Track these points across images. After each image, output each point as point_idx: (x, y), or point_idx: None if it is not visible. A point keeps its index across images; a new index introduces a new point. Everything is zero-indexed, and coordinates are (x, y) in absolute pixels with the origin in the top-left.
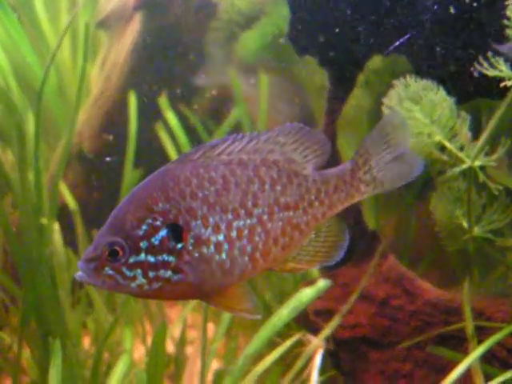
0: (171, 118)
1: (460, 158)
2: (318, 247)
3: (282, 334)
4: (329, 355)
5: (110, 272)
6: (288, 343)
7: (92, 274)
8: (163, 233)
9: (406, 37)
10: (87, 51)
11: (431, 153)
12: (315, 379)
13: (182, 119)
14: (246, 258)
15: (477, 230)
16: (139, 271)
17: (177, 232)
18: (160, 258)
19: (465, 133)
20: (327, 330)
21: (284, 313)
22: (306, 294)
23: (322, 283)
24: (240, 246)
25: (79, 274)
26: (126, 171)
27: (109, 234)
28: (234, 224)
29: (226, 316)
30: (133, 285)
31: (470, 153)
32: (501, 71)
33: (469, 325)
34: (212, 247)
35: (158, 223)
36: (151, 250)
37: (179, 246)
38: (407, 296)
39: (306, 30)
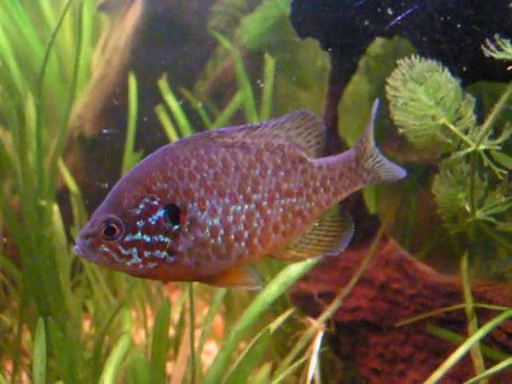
0: (171, 100)
1: (465, 141)
2: (322, 236)
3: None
4: (328, 339)
5: (106, 249)
6: (280, 319)
7: (88, 250)
8: (160, 213)
9: (405, 12)
10: (81, 32)
11: (435, 135)
12: (315, 361)
13: (185, 103)
14: (243, 244)
15: (479, 214)
16: (135, 250)
17: (174, 213)
18: (156, 238)
19: (470, 116)
20: (327, 313)
21: (273, 288)
22: (295, 270)
23: (310, 260)
24: (237, 232)
25: (75, 248)
26: (126, 154)
27: (106, 212)
28: (231, 209)
29: (218, 296)
30: (128, 263)
31: (475, 136)
32: (508, 54)
33: (468, 306)
34: (208, 231)
35: (156, 203)
36: (147, 229)
37: (175, 227)
38: (407, 279)
39: (308, 13)
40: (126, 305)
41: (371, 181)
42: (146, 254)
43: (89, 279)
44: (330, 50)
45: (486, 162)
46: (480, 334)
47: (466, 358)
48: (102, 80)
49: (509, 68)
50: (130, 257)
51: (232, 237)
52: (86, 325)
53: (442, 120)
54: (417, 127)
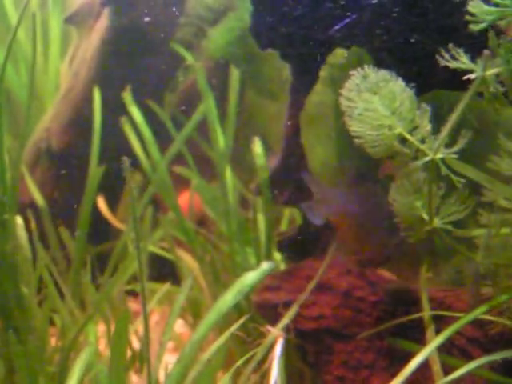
0: (136, 112)
1: (421, 150)
2: None
3: (249, 329)
4: (296, 348)
5: None
6: (233, 328)
7: None
8: None
9: (345, 21)
10: (35, 41)
11: (392, 145)
12: (276, 368)
13: (152, 114)
14: None
15: (436, 222)
16: None
17: None
18: None
19: (426, 125)
20: (285, 320)
21: (228, 297)
22: (251, 277)
23: (267, 265)
24: None
25: None
26: (90, 166)
27: None
28: None
29: (176, 307)
30: None
31: (432, 145)
32: (462, 63)
33: (426, 314)
34: None
35: None
36: None
37: None
38: (370, 287)
39: (267, 24)
40: (92, 318)
41: None
42: None
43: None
44: (289, 60)
45: (444, 170)
46: (439, 340)
47: (428, 364)
48: (69, 92)
49: (465, 77)
50: None
51: None
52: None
53: (398, 130)
54: (373, 137)
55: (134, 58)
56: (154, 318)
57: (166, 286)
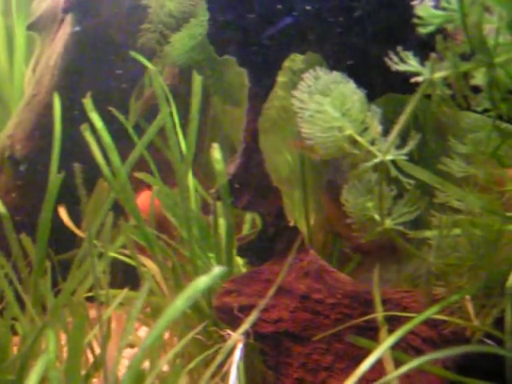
0: (96, 119)
1: (371, 151)
2: None
3: (211, 333)
4: (258, 351)
5: None
6: (190, 335)
7: None
8: None
9: (286, 21)
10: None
11: (342, 146)
12: (234, 372)
13: (114, 121)
14: None
15: (388, 223)
16: None
17: None
18: None
19: (376, 126)
20: (246, 325)
21: (179, 303)
22: (202, 282)
23: (218, 270)
24: None
25: None
26: (50, 173)
27: None
28: None
29: (134, 311)
30: None
31: (381, 147)
32: (411, 66)
33: (379, 315)
34: None
35: None
36: None
37: None
38: (327, 289)
39: (224, 31)
40: (51, 325)
41: None
42: None
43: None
44: (246, 66)
45: (393, 172)
46: (390, 340)
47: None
48: (33, 99)
49: (412, 80)
50: None
51: None
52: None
53: (349, 131)
54: (324, 139)
55: (98, 65)
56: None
57: (125, 292)
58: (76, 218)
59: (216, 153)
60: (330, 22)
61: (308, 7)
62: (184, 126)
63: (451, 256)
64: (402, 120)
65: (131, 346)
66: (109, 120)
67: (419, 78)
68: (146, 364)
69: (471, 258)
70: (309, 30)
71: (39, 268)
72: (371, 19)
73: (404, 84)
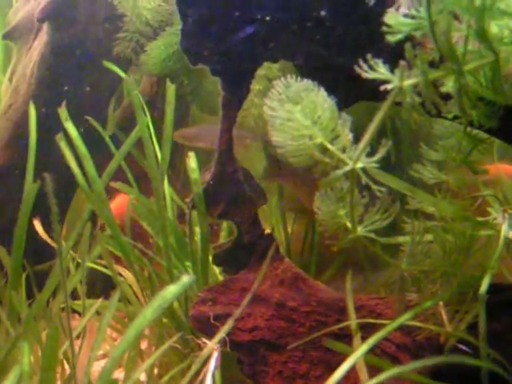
0: (71, 128)
1: (342, 159)
2: None
3: (189, 342)
4: (237, 360)
5: None
6: (165, 346)
7: None
8: None
9: (245, 32)
10: None
11: (313, 154)
12: (209, 381)
13: (91, 130)
14: None
15: (360, 230)
16: None
17: None
18: None
19: (346, 134)
20: (221, 334)
21: (148, 312)
22: (170, 291)
23: (186, 279)
24: None
25: None
26: (26, 183)
27: None
28: None
29: (104, 322)
30: None
31: (352, 154)
32: (380, 74)
33: (352, 322)
34: None
35: None
36: None
37: None
38: (302, 297)
39: (196, 40)
40: (25, 337)
41: None
42: None
43: None
44: (218, 75)
45: (364, 179)
46: (364, 348)
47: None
48: (9, 109)
49: (382, 88)
50: None
51: None
52: None
53: (319, 139)
54: (294, 147)
55: (75, 74)
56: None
57: (99, 302)
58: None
59: (191, 162)
60: (300, 30)
61: (279, 16)
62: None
63: (424, 262)
64: (372, 127)
65: (108, 356)
66: (86, 129)
67: (389, 86)
68: (121, 374)
69: (444, 264)
70: (280, 38)
71: (14, 279)
72: (341, 28)
73: (377, 92)
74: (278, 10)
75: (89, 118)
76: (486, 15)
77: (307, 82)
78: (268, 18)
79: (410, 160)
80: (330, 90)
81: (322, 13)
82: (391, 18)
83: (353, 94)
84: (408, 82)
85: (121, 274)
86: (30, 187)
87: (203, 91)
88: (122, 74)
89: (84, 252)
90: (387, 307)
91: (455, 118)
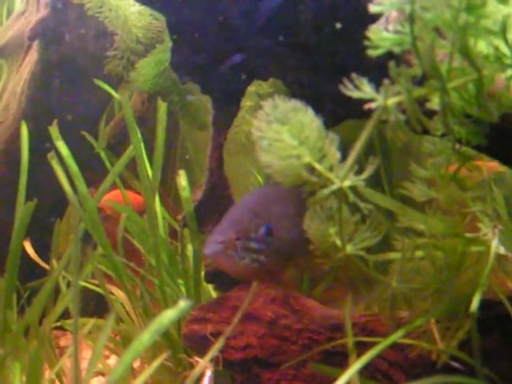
0: (62, 147)
1: (329, 178)
2: None
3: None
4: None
5: (231, 252)
6: (156, 363)
7: (219, 253)
8: (263, 230)
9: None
10: None
11: (301, 174)
12: None
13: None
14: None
15: (349, 248)
16: (248, 254)
17: (269, 231)
18: (260, 246)
19: (333, 153)
20: (213, 352)
21: (145, 337)
22: (167, 316)
23: (183, 304)
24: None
25: (208, 252)
26: (18, 203)
27: (231, 226)
28: (294, 229)
29: (100, 343)
30: (241, 263)
31: (340, 173)
32: (365, 92)
33: (349, 340)
34: (285, 243)
35: (260, 223)
36: (256, 240)
37: (270, 239)
38: (294, 315)
39: (186, 58)
40: (15, 356)
41: None
42: (254, 256)
43: None
44: (209, 94)
45: (352, 197)
46: (357, 366)
47: None
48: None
49: (366, 107)
50: (243, 258)
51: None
52: None
53: (307, 159)
54: (282, 167)
55: (65, 92)
56: (87, 353)
57: (93, 321)
58: (46, 246)
59: (182, 180)
60: (290, 50)
61: (269, 37)
62: (152, 153)
63: (415, 280)
64: (359, 145)
65: (102, 374)
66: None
67: (372, 105)
68: None
69: (435, 281)
70: (269, 58)
71: (7, 299)
72: (327, 47)
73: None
74: (265, 37)
75: (84, 133)
76: (470, 33)
77: (295, 102)
78: (256, 38)
79: (399, 177)
80: (317, 109)
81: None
82: (373, 32)
83: (340, 112)
84: (392, 101)
85: (112, 293)
86: (22, 207)
87: (193, 107)
88: (113, 92)
89: (76, 271)
90: (379, 324)
91: (443, 135)
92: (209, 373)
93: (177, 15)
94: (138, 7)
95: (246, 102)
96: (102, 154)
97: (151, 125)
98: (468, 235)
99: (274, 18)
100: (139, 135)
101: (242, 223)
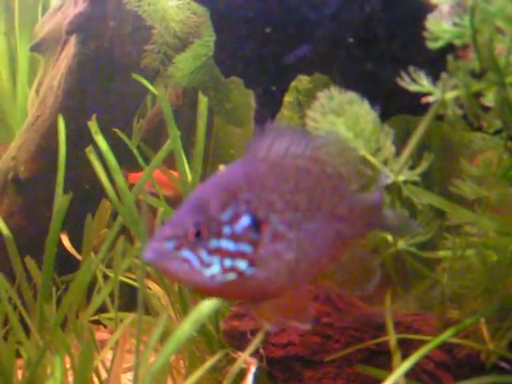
0: (101, 141)
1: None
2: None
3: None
4: (268, 376)
5: (187, 254)
6: (214, 359)
7: (168, 255)
8: (246, 221)
9: (303, 49)
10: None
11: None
12: None
13: (118, 142)
14: (306, 263)
15: (401, 244)
16: (217, 258)
17: (256, 223)
18: (240, 246)
19: (388, 147)
20: (252, 347)
21: (186, 326)
22: (206, 306)
23: None
24: (306, 248)
25: (148, 254)
26: (56, 195)
27: (191, 214)
28: (303, 225)
29: (153, 339)
30: (206, 273)
31: (394, 167)
32: (422, 86)
33: (392, 339)
34: (285, 244)
35: (242, 211)
36: (233, 236)
37: (258, 237)
38: (337, 313)
39: (230, 52)
40: (57, 350)
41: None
42: (228, 263)
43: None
44: (253, 88)
45: (405, 192)
46: (405, 366)
47: None
48: (36, 120)
49: (423, 100)
50: (210, 265)
51: (301, 254)
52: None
53: (362, 151)
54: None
55: (101, 86)
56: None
57: (132, 316)
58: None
59: None
60: (337, 45)
61: (317, 31)
62: (186, 147)
63: (465, 278)
64: (414, 140)
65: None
66: (113, 141)
67: (430, 99)
68: None
69: (485, 280)
70: (317, 52)
71: (45, 291)
72: (379, 41)
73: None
74: (315, 24)
75: (115, 130)
76: None
77: (351, 94)
78: (305, 33)
79: (442, 174)
80: (372, 103)
81: (360, 27)
82: (433, 24)
83: (394, 106)
84: (450, 95)
85: (149, 288)
86: (60, 199)
87: (230, 103)
88: (150, 86)
89: (116, 266)
90: (425, 324)
91: (496, 132)
92: (253, 369)
93: (224, 8)
94: (176, 1)
95: (286, 98)
96: (135, 151)
97: (186, 119)
98: None
99: (342, 9)
100: (177, 130)
101: (207, 209)
